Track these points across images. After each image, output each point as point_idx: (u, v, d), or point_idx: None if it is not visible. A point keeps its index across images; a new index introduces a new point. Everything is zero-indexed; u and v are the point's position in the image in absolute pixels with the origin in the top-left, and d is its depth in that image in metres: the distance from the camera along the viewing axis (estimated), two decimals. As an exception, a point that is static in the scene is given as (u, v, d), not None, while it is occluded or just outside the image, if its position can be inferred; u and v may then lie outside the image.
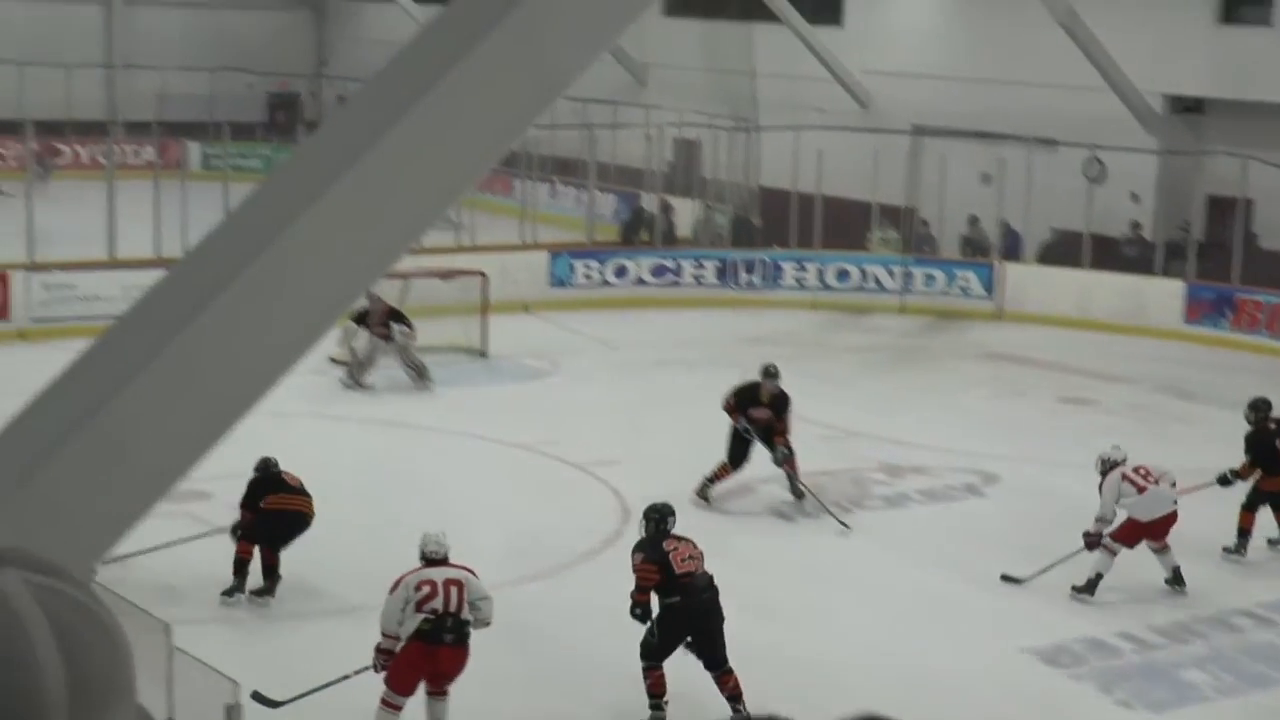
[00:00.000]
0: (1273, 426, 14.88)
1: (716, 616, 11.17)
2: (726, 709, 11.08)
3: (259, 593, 13.15)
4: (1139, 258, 25.93)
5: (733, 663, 11.19)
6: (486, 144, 2.87)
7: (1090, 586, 13.62)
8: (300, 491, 13.37)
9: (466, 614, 10.50)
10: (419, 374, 20.16)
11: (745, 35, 32.55)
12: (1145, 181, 26.55)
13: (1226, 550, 14.79)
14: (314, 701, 10.68)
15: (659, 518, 11.47)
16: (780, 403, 16.03)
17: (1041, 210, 26.45)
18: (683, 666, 11.20)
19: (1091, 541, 13.64)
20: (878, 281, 26.53)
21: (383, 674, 10.57)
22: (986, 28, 28.88)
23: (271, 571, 13.21)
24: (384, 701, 10.58)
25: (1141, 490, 13.58)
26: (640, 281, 26.06)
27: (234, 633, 12.65)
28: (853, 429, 18.67)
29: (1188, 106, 26.81)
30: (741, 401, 16.05)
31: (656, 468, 17.05)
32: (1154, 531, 13.70)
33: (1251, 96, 25.46)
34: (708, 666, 11.17)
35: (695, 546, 11.34)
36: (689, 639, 11.17)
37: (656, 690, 11.13)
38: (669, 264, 26.54)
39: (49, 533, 2.56)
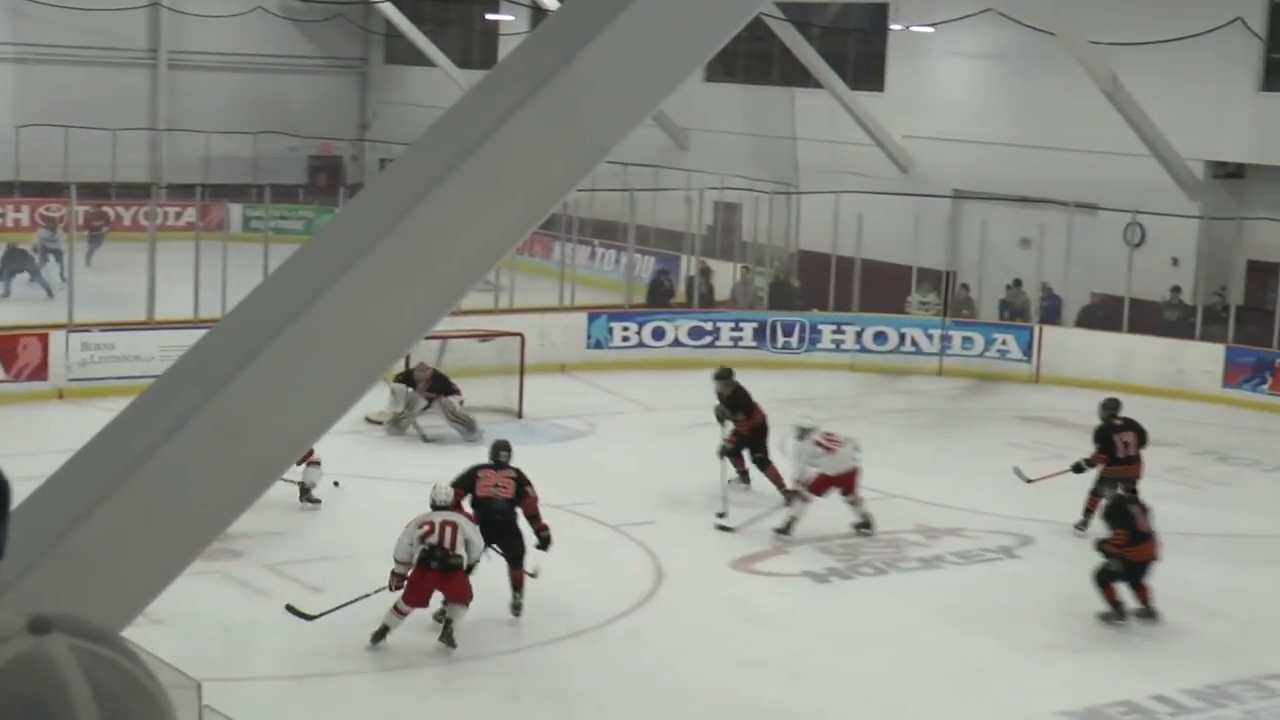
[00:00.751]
0: (1118, 423, 17.47)
1: (509, 533, 13.96)
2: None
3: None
4: (1179, 322, 25.85)
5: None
6: (527, 209, 2.88)
7: (787, 528, 16.60)
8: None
9: (459, 549, 13.01)
10: (468, 428, 20.57)
11: (787, 100, 32.69)
12: (1186, 246, 26.49)
13: (1075, 528, 16.86)
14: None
15: (493, 450, 14.61)
16: (734, 401, 18.17)
17: (1081, 275, 26.43)
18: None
19: (792, 493, 16.83)
20: (915, 344, 26.49)
21: (397, 592, 13.07)
22: (1028, 93, 28.92)
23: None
24: (395, 608, 13.11)
25: (829, 451, 16.60)
26: (677, 343, 26.07)
27: (263, 691, 12.64)
28: (889, 490, 18.59)
29: (1229, 172, 26.78)
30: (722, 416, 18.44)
31: (691, 529, 17.03)
32: (841, 483, 16.67)
33: (1292, 162, 25.42)
34: (509, 562, 13.97)
35: (509, 479, 14.02)
36: (495, 545, 13.92)
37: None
38: (707, 326, 26.55)
39: (85, 590, 2.57)
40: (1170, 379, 24.86)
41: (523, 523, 14.15)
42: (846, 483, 16.75)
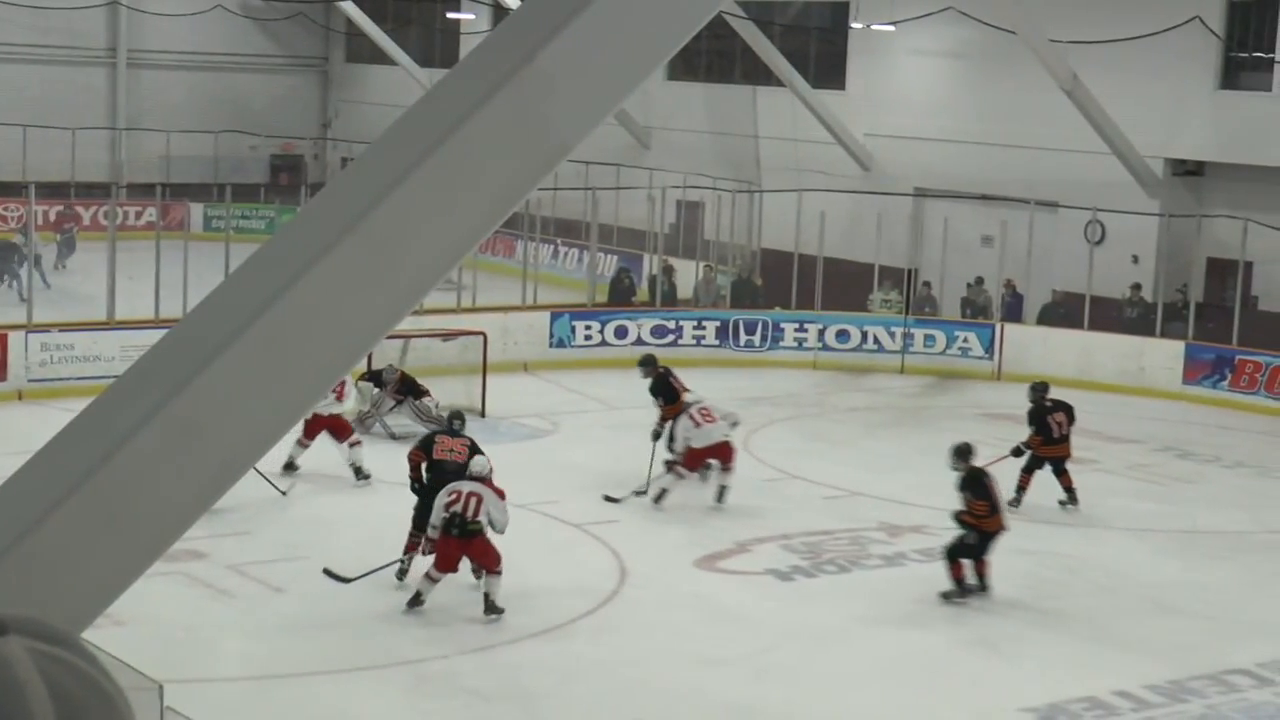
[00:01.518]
0: (1048, 404, 18.16)
1: None
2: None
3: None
4: (1139, 319, 25.99)
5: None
6: (489, 208, 2.87)
7: (658, 499, 17.43)
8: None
9: (480, 518, 13.85)
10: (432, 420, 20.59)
11: (748, 98, 32.73)
12: (1146, 244, 26.64)
13: (1009, 504, 16.90)
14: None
15: (449, 419, 16.08)
16: (655, 388, 19.03)
17: (1042, 272, 26.56)
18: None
19: (671, 464, 17.67)
20: (878, 342, 26.56)
21: (429, 556, 14.15)
22: (988, 91, 29.04)
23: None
24: (427, 574, 14.07)
25: (698, 425, 17.47)
26: (640, 342, 26.05)
27: (226, 692, 12.59)
28: (852, 488, 18.65)
29: (1188, 170, 26.94)
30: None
31: (655, 528, 17.03)
32: (715, 454, 17.59)
33: (1251, 160, 25.59)
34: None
35: (463, 445, 14.99)
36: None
37: (409, 549, 14.76)
38: (670, 325, 26.56)
39: (44, 592, 2.56)
40: (1131, 376, 25.02)
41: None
42: (719, 454, 17.64)
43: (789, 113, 31.11)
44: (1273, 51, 25.88)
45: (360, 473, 18.18)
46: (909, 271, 27.91)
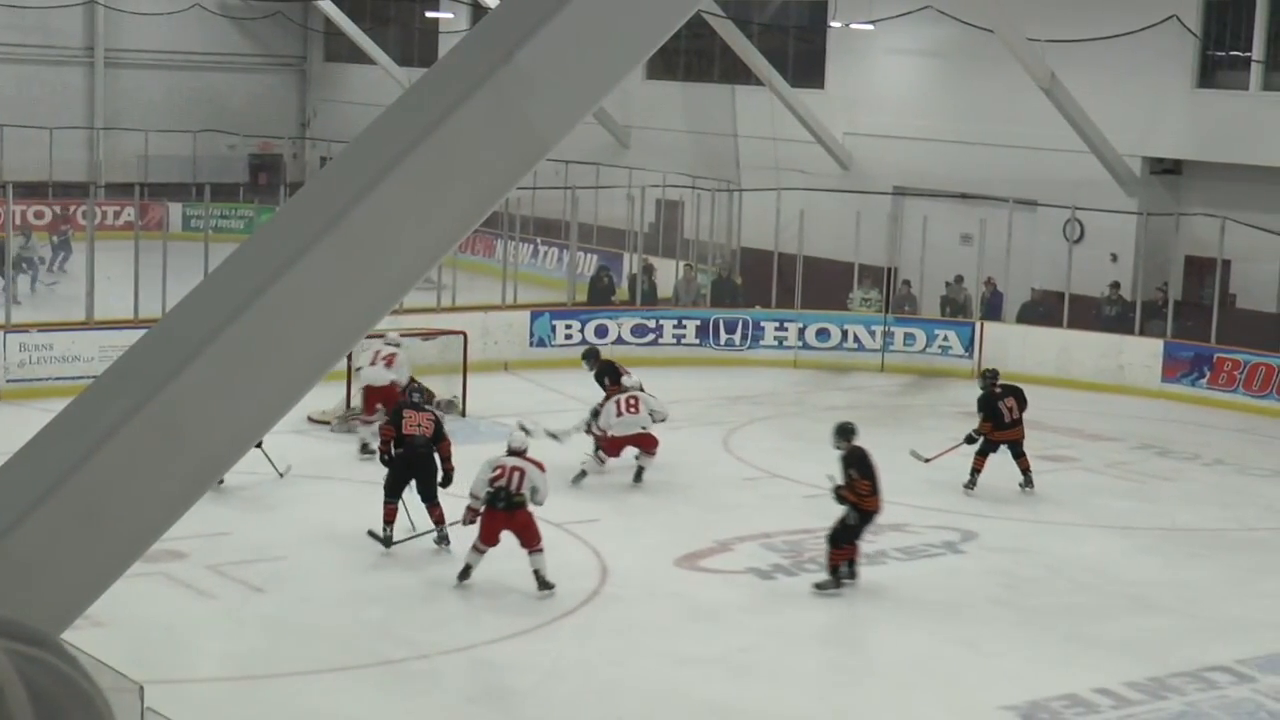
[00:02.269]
0: (998, 390, 18.75)
1: (427, 469, 15.69)
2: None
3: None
4: (1118, 317, 26.06)
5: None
6: (468, 207, 2.87)
7: (576, 479, 18.22)
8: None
9: (524, 491, 14.45)
10: (449, 409, 21.05)
11: (727, 97, 32.73)
12: (1124, 242, 26.70)
13: (964, 486, 18.34)
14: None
15: (413, 391, 17.01)
16: (599, 378, 19.85)
17: (1022, 270, 26.62)
18: None
19: (598, 446, 18.62)
20: (858, 341, 26.59)
21: (471, 525, 14.71)
22: (967, 90, 29.09)
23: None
24: (474, 546, 14.67)
25: (620, 415, 18.47)
26: (620, 341, 26.06)
27: (206, 693, 12.56)
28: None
29: (1166, 168, 27.02)
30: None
31: (636, 525, 17.03)
32: (635, 443, 18.49)
33: (1228, 159, 25.67)
34: (423, 499, 15.71)
35: (429, 420, 15.81)
36: (412, 480, 15.69)
37: (388, 519, 15.66)
38: (650, 324, 26.56)
39: (24, 593, 2.55)
40: (1110, 374, 25.09)
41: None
42: (639, 443, 18.57)
43: (768, 112, 31.12)
44: (1250, 50, 25.96)
45: (366, 448, 19.03)
46: (888, 270, 27.94)
